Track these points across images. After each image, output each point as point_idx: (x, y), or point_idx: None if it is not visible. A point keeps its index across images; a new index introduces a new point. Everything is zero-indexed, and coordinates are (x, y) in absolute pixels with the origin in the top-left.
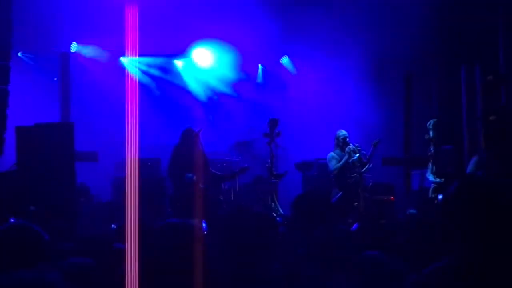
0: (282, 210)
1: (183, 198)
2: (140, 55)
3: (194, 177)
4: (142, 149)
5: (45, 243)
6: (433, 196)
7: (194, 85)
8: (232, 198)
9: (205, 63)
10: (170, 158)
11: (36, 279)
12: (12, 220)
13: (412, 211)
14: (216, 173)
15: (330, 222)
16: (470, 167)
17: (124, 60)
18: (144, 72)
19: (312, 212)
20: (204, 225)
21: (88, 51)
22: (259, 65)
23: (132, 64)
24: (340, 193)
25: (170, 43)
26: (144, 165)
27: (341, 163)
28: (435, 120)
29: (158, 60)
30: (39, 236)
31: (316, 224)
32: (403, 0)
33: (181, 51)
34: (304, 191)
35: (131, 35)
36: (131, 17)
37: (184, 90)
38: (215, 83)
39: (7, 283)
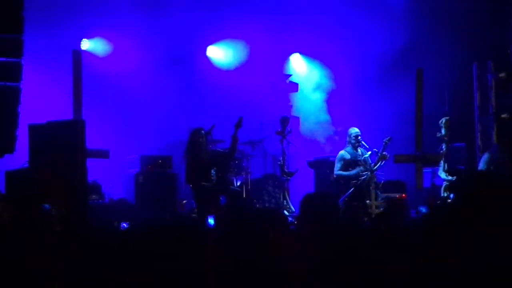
0: (294, 208)
1: (203, 203)
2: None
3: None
4: (155, 147)
5: None
6: (445, 194)
7: None
8: (243, 195)
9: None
10: (185, 167)
11: None
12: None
13: (422, 208)
14: (221, 151)
15: (338, 221)
16: (481, 164)
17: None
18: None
19: (318, 212)
20: (211, 220)
21: (99, 47)
22: None
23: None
24: (350, 191)
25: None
26: (156, 162)
27: (346, 173)
28: (447, 118)
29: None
30: None
31: (322, 224)
32: None
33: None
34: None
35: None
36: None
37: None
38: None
39: None
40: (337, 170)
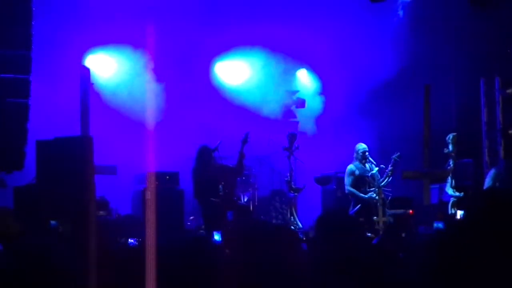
0: (301, 224)
1: (210, 218)
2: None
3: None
4: (162, 163)
5: None
6: (452, 211)
7: None
8: (251, 211)
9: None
10: (192, 182)
11: None
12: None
13: (439, 224)
14: (229, 167)
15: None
16: (487, 180)
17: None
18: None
19: (335, 231)
20: (218, 237)
21: (105, 63)
22: None
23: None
24: (358, 207)
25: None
26: (163, 178)
27: (360, 194)
28: (454, 134)
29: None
30: None
31: (341, 240)
32: (423, 14)
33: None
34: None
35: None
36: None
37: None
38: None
39: None
40: (348, 185)
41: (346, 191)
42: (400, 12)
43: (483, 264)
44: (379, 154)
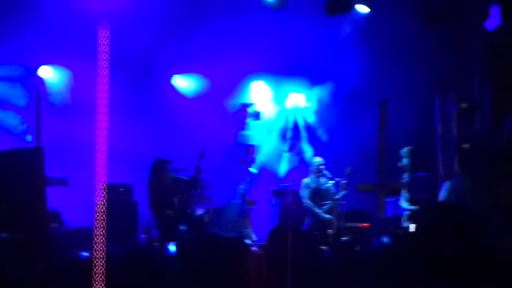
0: (257, 237)
1: (165, 230)
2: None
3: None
4: (116, 174)
5: None
6: (406, 224)
7: None
8: (206, 222)
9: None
10: (148, 195)
11: None
12: None
13: (385, 238)
14: (185, 179)
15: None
16: (442, 193)
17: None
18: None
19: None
20: (173, 248)
21: (57, 74)
22: None
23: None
24: (311, 220)
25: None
26: (117, 191)
27: (317, 210)
28: (409, 147)
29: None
30: None
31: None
32: (376, 29)
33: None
34: (276, 225)
35: (104, 57)
36: (103, 39)
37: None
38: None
39: None
40: (306, 198)
41: (304, 204)
42: (348, 28)
43: (425, 276)
44: (335, 167)
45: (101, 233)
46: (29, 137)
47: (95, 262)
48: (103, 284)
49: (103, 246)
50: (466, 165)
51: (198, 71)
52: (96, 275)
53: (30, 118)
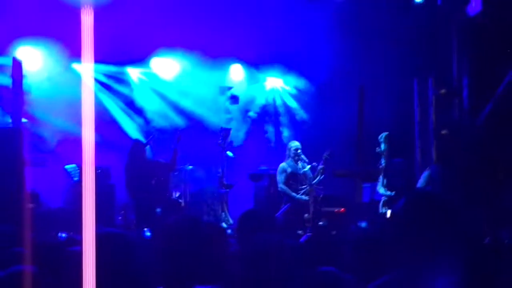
0: (233, 220)
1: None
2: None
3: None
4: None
5: None
6: (383, 210)
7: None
8: (182, 205)
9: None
10: (125, 177)
11: None
12: None
13: (362, 223)
14: (162, 162)
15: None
16: (421, 181)
17: (78, 66)
18: (99, 80)
19: (255, 230)
20: (148, 233)
21: (36, 56)
22: None
23: (87, 70)
24: (288, 205)
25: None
26: (94, 173)
27: (292, 194)
28: (386, 133)
29: (112, 69)
30: None
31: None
32: (357, 12)
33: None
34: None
35: (87, 40)
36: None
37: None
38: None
39: None
40: (281, 183)
41: (279, 189)
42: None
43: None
44: (312, 152)
45: (80, 214)
46: (8, 118)
47: (85, 245)
48: (92, 269)
49: (92, 230)
50: (444, 152)
51: (177, 52)
52: (86, 257)
53: (8, 98)
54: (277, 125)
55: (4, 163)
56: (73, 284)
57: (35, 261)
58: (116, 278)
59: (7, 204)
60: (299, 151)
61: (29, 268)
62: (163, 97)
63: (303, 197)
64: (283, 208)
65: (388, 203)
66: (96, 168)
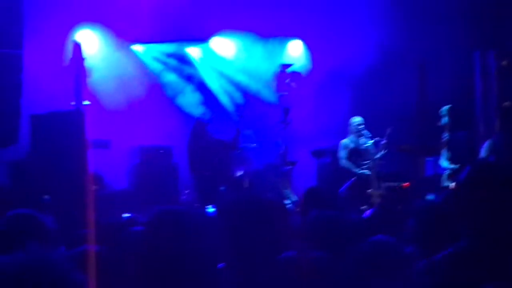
0: (296, 197)
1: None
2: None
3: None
4: (156, 137)
5: (49, 231)
6: (447, 183)
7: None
8: (245, 184)
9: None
10: (188, 156)
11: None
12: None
13: (431, 196)
14: (225, 140)
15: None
16: (483, 152)
17: (137, 47)
18: (159, 60)
19: (319, 206)
20: (213, 210)
21: (95, 38)
22: None
23: (145, 52)
24: (350, 180)
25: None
26: (157, 153)
27: (352, 167)
28: (449, 106)
29: (173, 48)
30: (43, 225)
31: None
32: None
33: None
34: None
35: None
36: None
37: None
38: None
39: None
40: (343, 158)
41: (341, 165)
42: None
43: (472, 234)
44: (375, 127)
45: (143, 194)
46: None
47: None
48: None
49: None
50: (507, 123)
51: (236, 31)
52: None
53: (70, 81)
54: (339, 101)
55: (68, 146)
56: (137, 261)
57: (100, 240)
58: (179, 255)
59: (72, 187)
60: (361, 126)
61: (94, 247)
62: (224, 75)
63: (366, 171)
64: (346, 184)
65: (452, 176)
66: (159, 148)
